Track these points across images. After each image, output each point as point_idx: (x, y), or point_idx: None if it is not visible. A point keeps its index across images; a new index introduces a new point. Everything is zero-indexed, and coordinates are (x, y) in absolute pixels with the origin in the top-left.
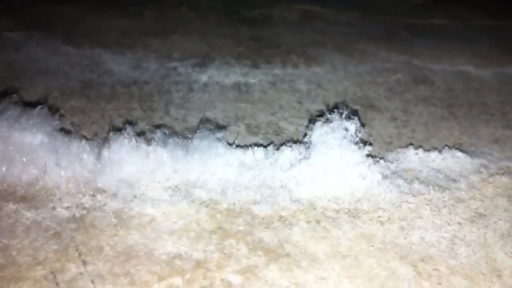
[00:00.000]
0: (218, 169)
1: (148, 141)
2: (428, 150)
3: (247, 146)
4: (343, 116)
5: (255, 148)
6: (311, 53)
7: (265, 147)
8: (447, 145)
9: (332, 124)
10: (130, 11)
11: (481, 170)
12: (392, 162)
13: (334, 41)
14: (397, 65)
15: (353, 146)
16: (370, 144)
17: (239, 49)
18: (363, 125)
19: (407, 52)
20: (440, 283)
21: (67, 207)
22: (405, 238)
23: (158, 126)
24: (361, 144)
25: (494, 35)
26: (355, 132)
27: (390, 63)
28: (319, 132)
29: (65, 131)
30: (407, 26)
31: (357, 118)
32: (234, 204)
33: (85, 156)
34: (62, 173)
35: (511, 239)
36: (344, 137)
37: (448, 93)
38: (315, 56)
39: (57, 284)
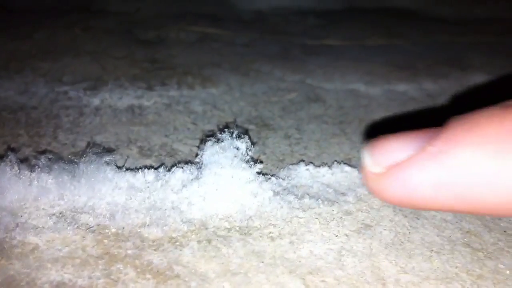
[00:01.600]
0: (107, 193)
1: (32, 168)
2: (319, 166)
3: (137, 169)
4: (234, 135)
5: (146, 170)
6: (207, 74)
7: (156, 169)
8: (336, 161)
9: (223, 144)
10: (19, 33)
11: None
12: (283, 179)
13: (230, 62)
14: (292, 85)
15: (244, 165)
16: (261, 162)
17: (133, 71)
18: (254, 143)
19: (301, 71)
20: None
21: None
22: (295, 252)
23: (43, 152)
24: (252, 163)
25: (384, 53)
26: (246, 151)
27: (284, 83)
28: (210, 152)
29: None
30: (302, 46)
31: (247, 137)
32: (123, 228)
33: None
34: None
35: (395, 248)
36: (235, 156)
37: (339, 111)
38: (211, 77)
39: None
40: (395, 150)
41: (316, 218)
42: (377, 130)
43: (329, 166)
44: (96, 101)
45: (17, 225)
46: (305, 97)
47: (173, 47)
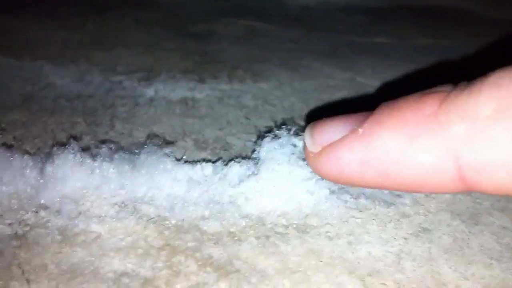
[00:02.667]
0: (166, 184)
1: (93, 156)
2: None
3: (195, 162)
4: (291, 132)
5: (204, 163)
6: (257, 69)
7: (213, 162)
8: None
9: (280, 140)
10: (71, 23)
11: None
12: None
13: (279, 57)
14: (342, 82)
15: (301, 162)
16: None
17: (185, 63)
18: None
19: (350, 69)
20: None
21: (9, 224)
22: (353, 252)
23: (103, 141)
24: None
25: (432, 53)
26: (303, 148)
27: (334, 80)
28: (268, 148)
29: (7, 146)
30: (349, 44)
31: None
32: (183, 220)
33: (27, 171)
34: (4, 188)
35: (454, 253)
36: (293, 153)
37: None
38: (261, 72)
39: None
40: (331, 131)
41: (373, 219)
42: None
43: None
44: (150, 92)
45: (79, 213)
46: (356, 95)
47: (223, 40)
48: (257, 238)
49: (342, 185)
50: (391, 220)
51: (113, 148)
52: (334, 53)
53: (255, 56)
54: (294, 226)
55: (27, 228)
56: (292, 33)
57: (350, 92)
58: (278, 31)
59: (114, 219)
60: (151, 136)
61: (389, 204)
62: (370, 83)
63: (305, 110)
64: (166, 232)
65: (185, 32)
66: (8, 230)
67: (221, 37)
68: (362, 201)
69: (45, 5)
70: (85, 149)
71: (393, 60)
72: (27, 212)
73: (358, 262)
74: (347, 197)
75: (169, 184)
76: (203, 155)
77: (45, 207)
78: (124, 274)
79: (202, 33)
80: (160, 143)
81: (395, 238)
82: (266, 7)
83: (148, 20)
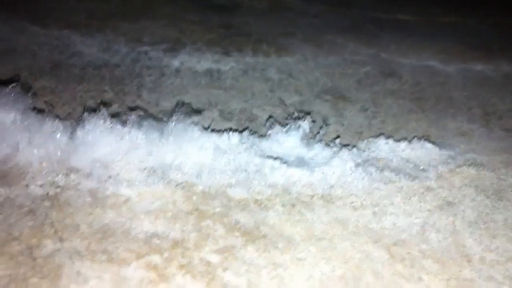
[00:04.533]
0: (193, 152)
1: (123, 123)
2: (398, 140)
3: (222, 131)
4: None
5: (230, 133)
6: (282, 43)
7: (240, 132)
8: (416, 136)
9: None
10: None
11: (449, 161)
12: (363, 151)
13: (304, 32)
14: (366, 58)
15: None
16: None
17: (209, 35)
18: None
19: (375, 45)
20: (413, 266)
21: (41, 185)
22: (378, 223)
23: (132, 109)
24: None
25: (457, 31)
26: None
27: (359, 56)
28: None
29: (38, 110)
30: (374, 20)
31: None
32: (210, 187)
33: (58, 135)
34: (35, 151)
35: (478, 227)
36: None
37: (415, 87)
38: (286, 46)
39: (34, 259)
40: None
41: (397, 191)
42: (454, 109)
43: (409, 141)
44: (176, 63)
45: (110, 176)
46: (380, 71)
47: (247, 14)
48: (283, 206)
49: (368, 158)
50: (415, 193)
51: (142, 115)
52: (358, 29)
53: (279, 30)
54: (319, 196)
55: (58, 190)
56: (317, 8)
57: (374, 68)
58: (303, 6)
59: (143, 184)
60: (180, 105)
61: (413, 177)
62: (394, 59)
63: (330, 84)
64: (194, 198)
65: (210, 4)
66: (39, 191)
67: (246, 10)
68: (387, 173)
69: None
70: (114, 116)
71: (417, 37)
72: (58, 175)
73: (383, 232)
74: (372, 169)
75: (196, 152)
76: (229, 125)
77: (76, 170)
78: (155, 235)
79: (227, 6)
80: (188, 111)
81: (419, 211)
82: None
83: None
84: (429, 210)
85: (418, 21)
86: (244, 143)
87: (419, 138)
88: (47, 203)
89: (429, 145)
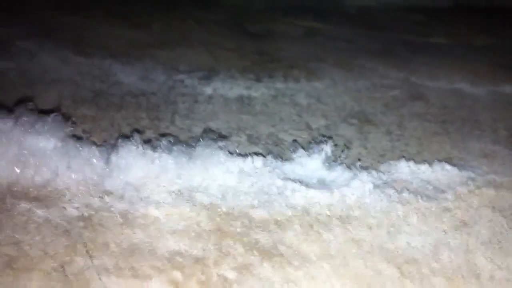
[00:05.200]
0: (219, 175)
1: (154, 148)
2: (419, 163)
3: (247, 155)
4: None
5: (254, 156)
6: (312, 68)
7: (264, 156)
8: (437, 159)
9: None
10: (138, 22)
11: (468, 182)
12: (384, 173)
13: (335, 57)
14: (395, 82)
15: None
16: (359, 159)
17: (243, 62)
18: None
19: (405, 69)
20: (421, 283)
21: (77, 207)
22: (392, 242)
23: (164, 135)
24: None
25: (489, 53)
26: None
27: (388, 80)
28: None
29: (77, 137)
30: (406, 43)
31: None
32: (233, 208)
33: (94, 160)
34: (73, 176)
35: (492, 246)
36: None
37: (442, 110)
38: (316, 71)
39: (66, 276)
40: None
41: (415, 212)
42: (480, 131)
43: (430, 164)
44: (209, 90)
45: (140, 199)
46: (408, 95)
47: (280, 40)
48: (302, 226)
49: (387, 180)
50: (432, 214)
51: (172, 141)
52: (389, 52)
53: (311, 55)
54: (338, 216)
55: (92, 212)
56: (349, 33)
57: (403, 92)
58: (335, 31)
59: (171, 205)
60: (207, 131)
61: (431, 198)
62: (423, 83)
63: (356, 109)
64: (218, 218)
65: (245, 32)
66: (75, 213)
67: (279, 36)
68: (405, 195)
69: (114, 4)
70: (147, 141)
71: (448, 60)
72: (93, 197)
73: (397, 252)
74: (391, 191)
75: (222, 175)
76: (255, 149)
77: (109, 193)
78: (178, 253)
79: (261, 33)
80: (215, 137)
81: (434, 231)
82: (325, 8)
83: (210, 20)
84: (444, 231)
85: (450, 44)
86: (267, 166)
87: (440, 160)
88: (81, 224)
89: (449, 167)
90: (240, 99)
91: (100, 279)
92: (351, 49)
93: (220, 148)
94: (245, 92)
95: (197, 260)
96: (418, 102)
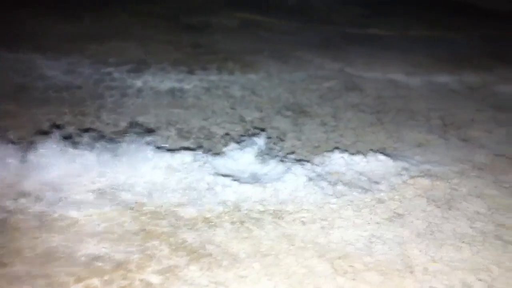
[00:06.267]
0: (146, 172)
1: (75, 145)
2: (354, 154)
3: (176, 150)
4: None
5: (184, 151)
6: (248, 60)
7: (193, 150)
8: (372, 149)
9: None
10: (69, 16)
11: (402, 172)
12: (318, 165)
13: (271, 49)
14: (331, 73)
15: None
16: (293, 152)
17: (176, 55)
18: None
19: (341, 60)
20: (354, 279)
21: None
22: (325, 237)
23: (86, 130)
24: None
25: (428, 45)
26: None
27: (324, 71)
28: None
29: None
30: (344, 35)
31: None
32: (160, 206)
33: (9, 159)
34: None
35: (426, 238)
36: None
37: (377, 100)
38: (251, 63)
39: None
40: None
41: (348, 205)
42: (414, 121)
43: (364, 155)
44: (138, 83)
45: (59, 199)
46: (344, 86)
47: (216, 32)
48: (232, 223)
49: (320, 173)
50: (366, 206)
51: (94, 136)
52: (327, 44)
53: (247, 48)
54: (270, 212)
55: (6, 214)
56: (287, 25)
57: (338, 82)
58: (274, 24)
59: (92, 206)
60: (134, 125)
61: (365, 190)
62: (358, 73)
63: (292, 100)
64: (143, 218)
65: (180, 24)
66: None
67: (216, 29)
68: (340, 187)
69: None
70: (67, 138)
71: (385, 51)
72: (7, 199)
73: (330, 246)
74: (325, 184)
75: (149, 172)
76: (186, 143)
77: (25, 194)
78: (98, 257)
79: (197, 26)
80: (142, 131)
81: (368, 223)
82: (265, 0)
83: (145, 13)
84: (377, 223)
85: (387, 35)
86: (197, 161)
87: (375, 151)
88: None
89: (383, 158)
90: (171, 92)
91: None
92: (288, 41)
93: (148, 143)
94: (177, 85)
95: (119, 265)
96: (353, 92)
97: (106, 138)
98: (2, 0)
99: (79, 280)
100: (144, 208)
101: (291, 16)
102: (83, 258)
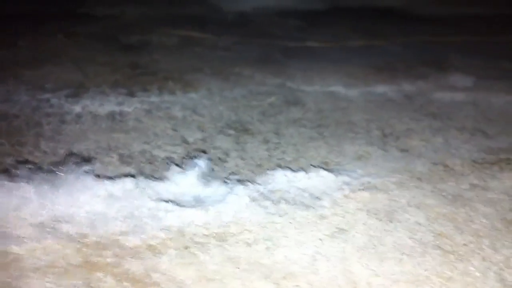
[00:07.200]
0: (86, 201)
1: (12, 178)
2: (296, 171)
3: (117, 177)
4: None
5: (124, 178)
6: (188, 79)
7: (134, 177)
8: (312, 165)
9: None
10: (3, 41)
11: (343, 187)
12: (260, 184)
13: (212, 66)
14: (272, 88)
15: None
16: (235, 173)
17: (115, 77)
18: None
19: (281, 75)
20: None
21: None
22: (269, 258)
23: (24, 162)
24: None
25: (365, 55)
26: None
27: (265, 86)
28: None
29: None
30: (283, 49)
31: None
32: (102, 236)
33: None
34: None
35: (368, 252)
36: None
37: (318, 114)
38: (192, 82)
39: None
40: None
41: (290, 222)
42: (354, 133)
43: (306, 171)
44: (77, 108)
45: None
46: (285, 101)
47: (156, 51)
48: (176, 249)
49: (264, 191)
50: (308, 223)
51: (32, 168)
52: (266, 59)
53: (187, 66)
54: (214, 235)
55: None
56: (227, 41)
57: (279, 98)
58: (212, 40)
59: (33, 240)
60: (71, 154)
61: (307, 207)
62: (299, 87)
63: (233, 118)
64: (85, 249)
65: (118, 44)
66: None
67: (154, 48)
68: (283, 205)
69: None
70: (4, 171)
71: (324, 63)
72: None
73: (274, 266)
74: (268, 203)
75: (89, 201)
76: (128, 169)
77: None
78: None
79: (136, 45)
80: (79, 160)
81: (311, 240)
82: (202, 15)
83: (81, 34)
84: (320, 239)
85: (326, 47)
86: (138, 187)
87: (316, 167)
88: None
89: (325, 173)
90: (111, 115)
91: None
92: (229, 58)
93: (86, 172)
94: (116, 108)
95: None
96: (294, 107)
97: (44, 169)
98: None
99: None
100: (86, 239)
101: (229, 31)
102: None
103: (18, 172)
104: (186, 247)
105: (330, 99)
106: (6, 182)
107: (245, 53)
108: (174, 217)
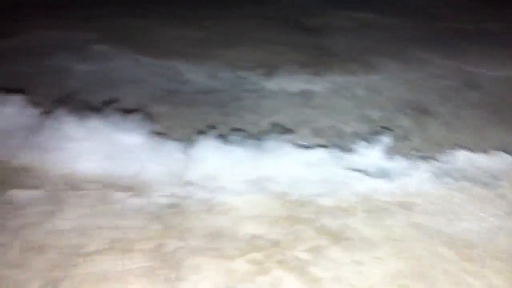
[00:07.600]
0: (287, 165)
1: (227, 142)
2: (475, 151)
3: (311, 147)
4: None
5: (318, 148)
6: (369, 61)
7: (326, 147)
8: (491, 147)
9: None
10: (197, 24)
11: None
12: (441, 162)
13: (390, 48)
14: (449, 71)
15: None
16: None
17: (302, 58)
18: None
19: (458, 58)
20: (482, 265)
21: (164, 196)
22: (451, 227)
23: (235, 129)
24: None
25: None
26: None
27: (442, 69)
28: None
29: (158, 133)
30: (459, 31)
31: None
32: (302, 195)
33: (176, 154)
34: (158, 168)
35: None
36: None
37: (497, 98)
38: (373, 64)
39: (161, 255)
40: None
41: (470, 198)
42: None
43: (485, 152)
44: (272, 85)
45: (218, 188)
46: (462, 84)
47: (336, 34)
48: (364, 211)
49: (444, 169)
50: (488, 200)
51: (242, 135)
52: (443, 42)
53: (367, 48)
54: (399, 203)
55: (178, 199)
56: (403, 24)
57: (454, 81)
58: (390, 24)
59: (247, 194)
60: (273, 125)
61: (486, 185)
62: (477, 71)
63: (412, 99)
64: (288, 205)
65: (301, 27)
66: (164, 201)
67: (335, 30)
68: (463, 182)
69: (171, 6)
70: (220, 136)
71: (502, 46)
72: (177, 187)
73: (456, 235)
74: (449, 179)
75: (290, 165)
76: (319, 141)
77: (191, 183)
78: (256, 236)
79: (317, 28)
80: (280, 131)
81: (491, 216)
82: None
83: (261, 16)
84: (500, 216)
85: (504, 30)
86: (331, 157)
87: (495, 149)
88: (170, 210)
89: (504, 155)
90: (302, 93)
91: (192, 258)
92: (406, 41)
93: (286, 141)
94: (305, 87)
95: (274, 243)
96: (472, 90)
97: (252, 136)
98: (125, 10)
99: (244, 253)
100: (289, 197)
101: (405, 15)
102: (246, 236)
103: (232, 138)
104: (373, 211)
105: (509, 84)
106: (222, 145)
107: (422, 36)
108: (362, 184)
